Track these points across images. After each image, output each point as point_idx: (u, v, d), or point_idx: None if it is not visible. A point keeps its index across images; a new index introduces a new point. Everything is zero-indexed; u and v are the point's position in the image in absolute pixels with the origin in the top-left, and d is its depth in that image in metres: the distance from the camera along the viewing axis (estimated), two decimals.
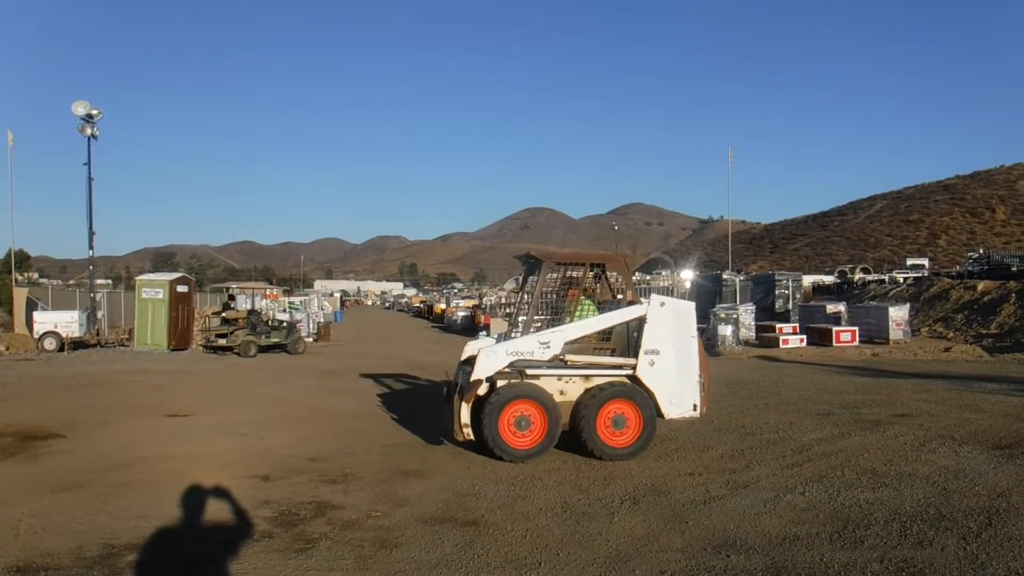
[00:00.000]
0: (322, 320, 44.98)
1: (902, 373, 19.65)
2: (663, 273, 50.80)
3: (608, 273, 11.42)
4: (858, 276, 72.00)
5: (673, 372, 10.20)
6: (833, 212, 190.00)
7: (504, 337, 11.41)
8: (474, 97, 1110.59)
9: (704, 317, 32.84)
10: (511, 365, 10.07)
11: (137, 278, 34.08)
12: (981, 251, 72.70)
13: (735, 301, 35.81)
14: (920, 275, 59.97)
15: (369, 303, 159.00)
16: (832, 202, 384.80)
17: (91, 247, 33.29)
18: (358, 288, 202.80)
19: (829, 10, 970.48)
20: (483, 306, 52.61)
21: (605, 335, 10.73)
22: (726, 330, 28.57)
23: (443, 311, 64.61)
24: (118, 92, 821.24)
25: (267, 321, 30.17)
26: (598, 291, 11.56)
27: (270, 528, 7.27)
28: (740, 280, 39.75)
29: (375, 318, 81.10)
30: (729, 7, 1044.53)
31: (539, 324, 10.74)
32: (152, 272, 45.69)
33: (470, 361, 10.90)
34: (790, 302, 37.55)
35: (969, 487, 8.35)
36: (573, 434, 10.06)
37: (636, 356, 10.19)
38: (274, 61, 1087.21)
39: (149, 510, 7.80)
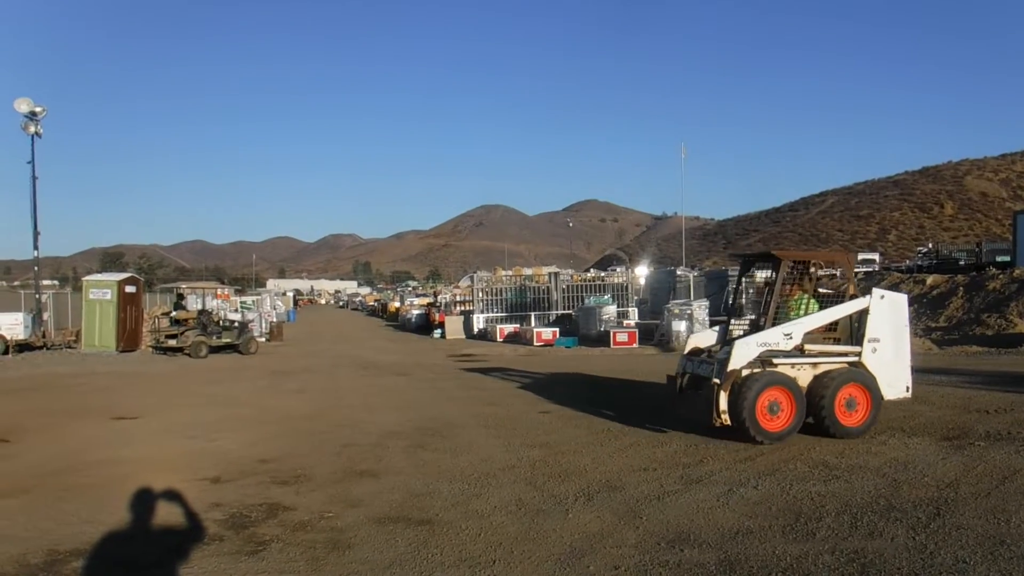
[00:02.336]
0: (275, 320, 44.58)
1: None
2: (618, 269, 50.96)
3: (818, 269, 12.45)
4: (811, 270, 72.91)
5: (891, 357, 11.16)
6: (785, 208, 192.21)
7: (723, 330, 12.24)
8: (427, 95, 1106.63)
9: (657, 313, 33.12)
10: (759, 356, 10.78)
11: (84, 279, 33.44)
12: (930, 246, 74.24)
13: (689, 297, 36.00)
14: (871, 270, 61.00)
15: (323, 302, 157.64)
16: (784, 198, 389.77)
17: (36, 247, 32.62)
18: (311, 287, 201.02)
19: (779, 6, 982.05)
20: (438, 304, 52.27)
21: (832, 325, 11.53)
22: (680, 325, 28.68)
23: (397, 309, 64.27)
24: (63, 88, 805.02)
25: (218, 321, 29.78)
26: (808, 285, 12.20)
27: (221, 531, 7.16)
28: (694, 276, 40.02)
29: (329, 317, 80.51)
30: (678, 4, 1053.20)
31: (776, 317, 11.40)
32: (100, 272, 44.84)
33: (695, 352, 12.06)
34: (743, 297, 37.87)
35: (918, 478, 8.47)
36: (810, 415, 10.74)
37: (860, 344, 11.10)
38: (222, 60, 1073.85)
39: (96, 515, 7.66)
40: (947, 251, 63.26)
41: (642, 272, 48.18)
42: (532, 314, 37.86)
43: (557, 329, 33.07)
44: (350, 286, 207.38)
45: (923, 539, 6.46)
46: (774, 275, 11.58)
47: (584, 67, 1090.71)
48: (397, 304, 69.46)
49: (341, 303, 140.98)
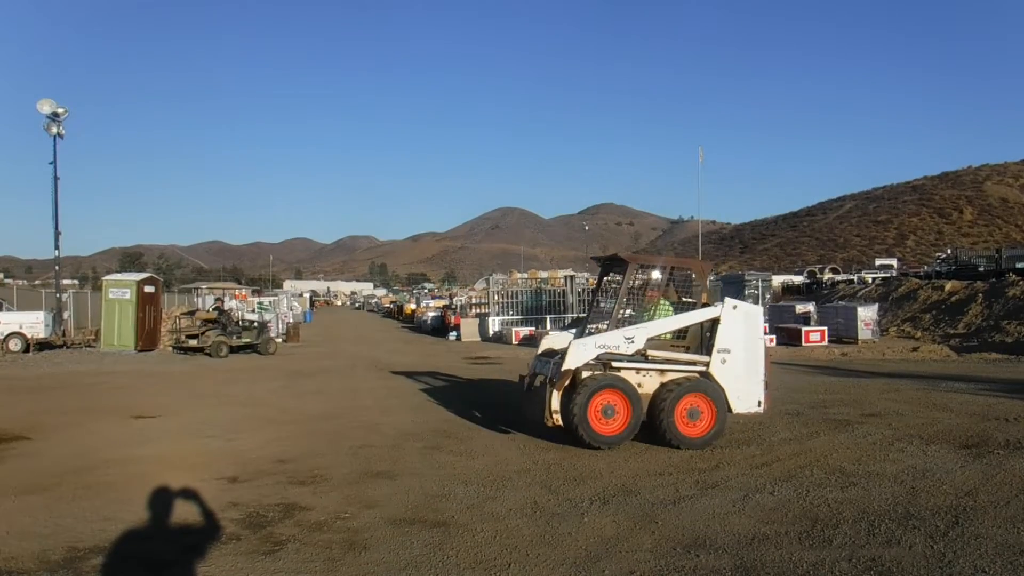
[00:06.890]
0: (291, 321, 44.70)
1: (871, 373, 19.83)
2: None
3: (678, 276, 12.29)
4: (827, 276, 72.83)
5: (742, 370, 10.88)
6: (803, 212, 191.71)
7: (580, 332, 11.88)
8: (445, 97, 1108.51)
9: None
10: (598, 358, 10.68)
11: (104, 278, 33.70)
12: (949, 251, 73.76)
13: None
14: (888, 275, 60.68)
15: (339, 303, 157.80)
16: (802, 202, 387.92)
17: (57, 247, 32.93)
18: (328, 288, 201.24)
19: (798, 10, 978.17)
20: (453, 306, 52.24)
21: (681, 333, 11.47)
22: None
23: (413, 311, 64.26)
24: (84, 89, 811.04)
25: (237, 321, 29.94)
26: (672, 293, 12.06)
27: (238, 530, 7.21)
28: (710, 280, 39.89)
29: (345, 319, 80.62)
30: (696, 7, 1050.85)
31: (620, 320, 11.24)
32: (119, 272, 45.17)
33: (548, 354, 11.67)
34: (760, 302, 37.73)
35: (937, 486, 8.42)
36: (651, 424, 10.63)
37: (709, 354, 10.88)
38: (240, 59, 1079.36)
39: (115, 512, 7.72)
40: (966, 257, 62.63)
41: (657, 276, 48.08)
42: (548, 317, 37.83)
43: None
44: (366, 288, 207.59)
45: (941, 547, 6.43)
46: (622, 278, 11.41)
47: (601, 71, 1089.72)
48: (413, 306, 69.46)
49: (357, 305, 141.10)
